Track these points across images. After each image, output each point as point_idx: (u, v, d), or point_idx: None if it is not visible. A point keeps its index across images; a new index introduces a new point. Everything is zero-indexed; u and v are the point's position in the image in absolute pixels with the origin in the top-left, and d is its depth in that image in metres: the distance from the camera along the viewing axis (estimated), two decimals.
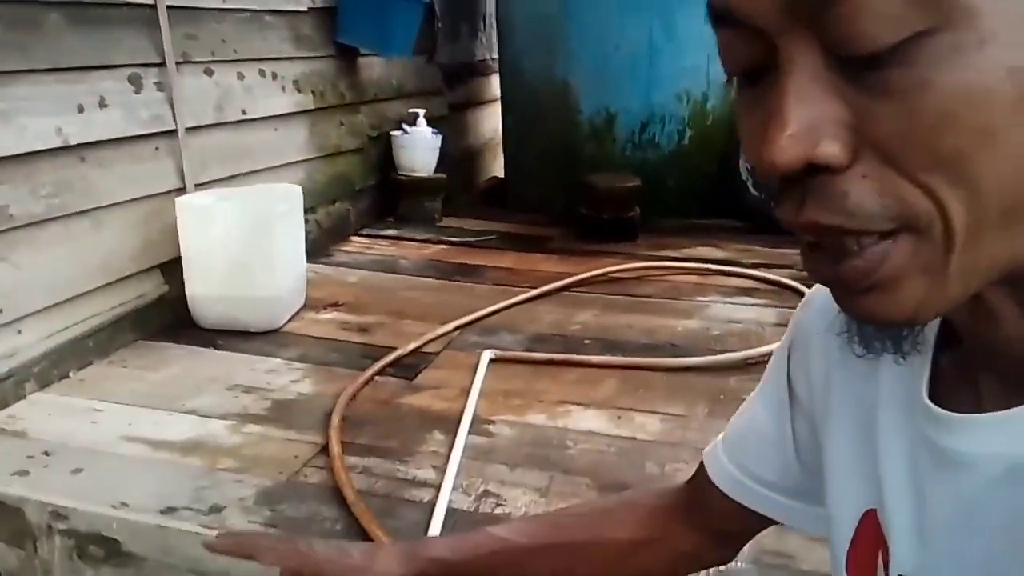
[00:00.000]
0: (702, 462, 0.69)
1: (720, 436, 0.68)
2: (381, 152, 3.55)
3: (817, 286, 0.54)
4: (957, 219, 0.32)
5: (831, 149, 0.33)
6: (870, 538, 0.49)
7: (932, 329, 0.45)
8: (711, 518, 0.69)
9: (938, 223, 0.33)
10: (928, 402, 0.43)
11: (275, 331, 2.38)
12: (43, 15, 1.96)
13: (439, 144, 3.58)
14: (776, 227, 2.63)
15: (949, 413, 0.42)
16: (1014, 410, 0.38)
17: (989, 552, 0.40)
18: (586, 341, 2.33)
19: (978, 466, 0.40)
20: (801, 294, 2.61)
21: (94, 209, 2.12)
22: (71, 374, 2.05)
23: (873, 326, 0.42)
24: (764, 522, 0.67)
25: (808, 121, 0.33)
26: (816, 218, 0.35)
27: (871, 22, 0.30)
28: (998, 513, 0.39)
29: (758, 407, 0.64)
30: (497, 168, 4.94)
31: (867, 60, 0.31)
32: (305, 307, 2.56)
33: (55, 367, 2.01)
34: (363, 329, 2.42)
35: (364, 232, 3.44)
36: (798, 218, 0.36)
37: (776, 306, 2.59)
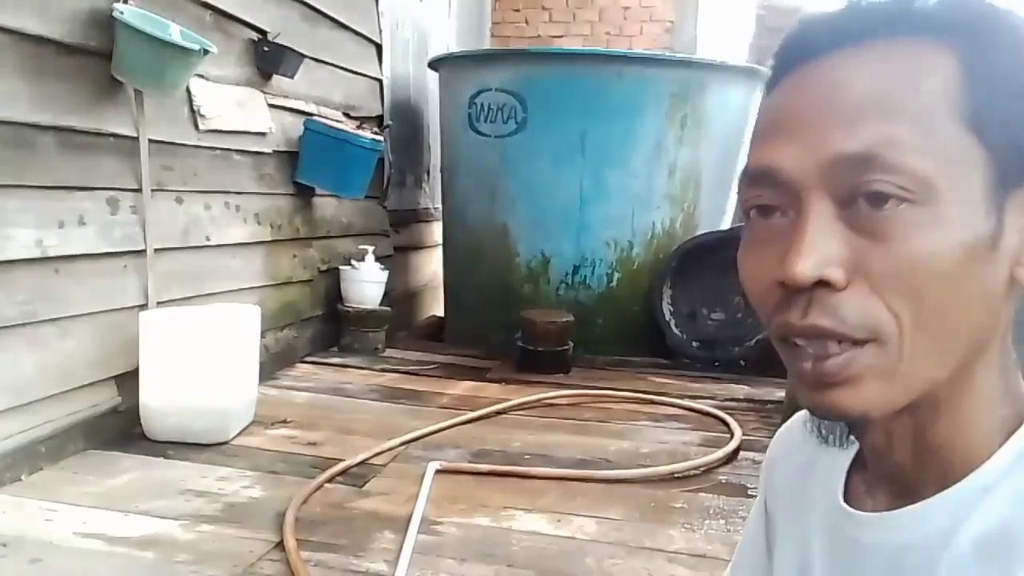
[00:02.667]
0: None
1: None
2: (329, 285, 3.74)
3: (784, 426, 0.71)
4: (908, 337, 0.46)
5: (836, 273, 0.46)
6: None
7: (847, 457, 0.61)
8: None
9: (896, 339, 0.46)
10: (843, 503, 0.58)
11: (224, 443, 2.45)
12: (37, 137, 2.15)
13: (385, 279, 3.80)
14: (694, 364, 3.00)
15: (854, 510, 0.57)
16: (896, 511, 0.53)
17: None
18: (526, 456, 2.47)
19: (874, 550, 0.54)
20: (722, 421, 2.85)
21: (62, 318, 2.23)
22: (23, 477, 2.07)
23: (833, 418, 0.52)
24: None
25: (822, 250, 0.46)
26: (816, 321, 0.47)
27: (874, 188, 0.45)
28: None
29: (751, 528, 0.75)
30: (435, 308, 5.16)
31: (869, 213, 0.46)
32: (253, 423, 2.64)
33: (8, 469, 2.04)
34: (311, 443, 2.51)
35: (309, 359, 3.56)
36: (802, 321, 0.48)
37: (700, 430, 2.79)
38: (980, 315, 0.48)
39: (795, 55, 0.50)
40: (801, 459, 0.65)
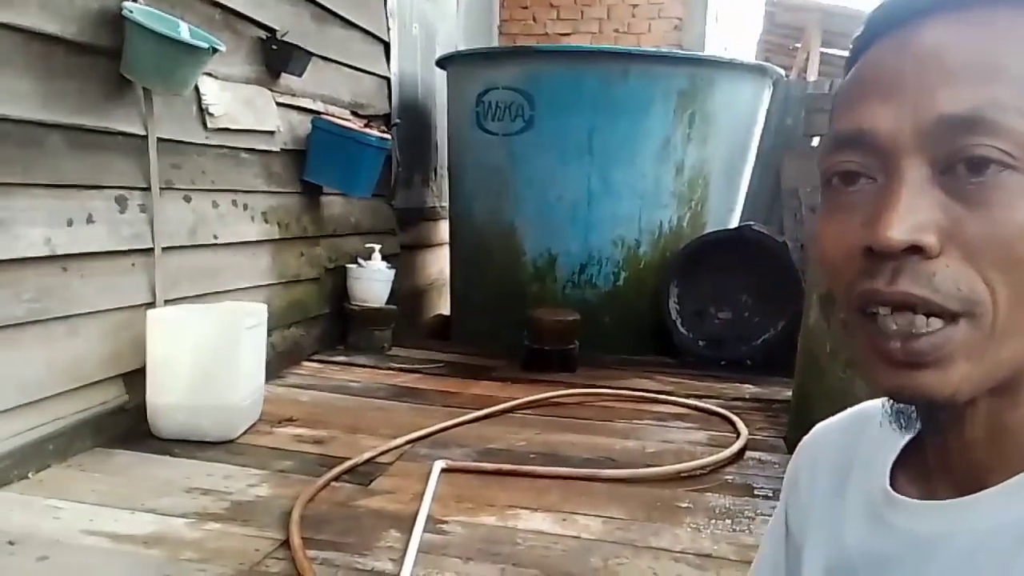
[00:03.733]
0: None
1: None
2: (336, 283, 3.75)
3: (806, 438, 0.67)
4: (1003, 313, 0.44)
5: (930, 239, 0.44)
6: None
7: (891, 451, 0.58)
8: None
9: (990, 313, 0.44)
10: (888, 488, 0.54)
11: (231, 442, 2.46)
12: (46, 136, 2.16)
13: (392, 277, 3.80)
14: (700, 363, 2.98)
15: (903, 497, 0.53)
16: (966, 498, 0.49)
17: None
18: (531, 455, 2.47)
19: (931, 541, 0.50)
20: (728, 420, 2.84)
21: (70, 316, 2.24)
22: (30, 475, 2.08)
23: (918, 402, 0.49)
24: None
25: (916, 215, 0.44)
26: (908, 289, 0.44)
27: (978, 151, 0.43)
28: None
29: (767, 545, 0.71)
30: (442, 307, 5.17)
31: (968, 179, 0.44)
32: (260, 422, 2.65)
33: (16, 467, 2.05)
34: (318, 441, 2.52)
35: (316, 358, 3.56)
36: (890, 287, 0.45)
37: (706, 430, 2.79)
38: None
39: (891, 19, 0.49)
40: (834, 463, 0.62)
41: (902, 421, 0.54)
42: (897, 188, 0.45)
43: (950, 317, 0.44)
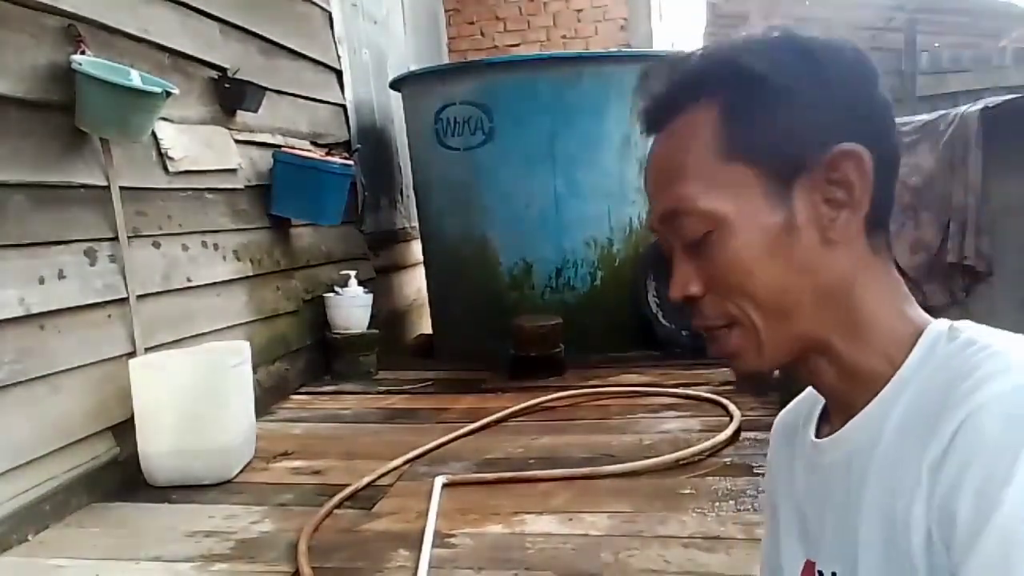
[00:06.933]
0: None
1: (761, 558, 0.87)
2: (315, 314, 3.73)
3: (774, 423, 0.82)
4: (754, 316, 0.63)
5: (694, 289, 0.65)
6: None
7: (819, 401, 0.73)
8: None
9: (747, 320, 0.64)
10: (812, 438, 0.71)
11: (228, 482, 2.44)
12: (8, 196, 2.14)
13: (370, 302, 3.80)
14: (686, 353, 3.02)
15: (817, 440, 0.70)
16: (839, 430, 0.66)
17: (841, 519, 0.64)
18: (531, 461, 2.48)
19: (831, 468, 0.66)
20: (720, 404, 2.87)
21: (52, 374, 2.21)
22: (29, 537, 2.05)
23: (742, 376, 0.69)
24: None
25: (681, 277, 0.66)
26: (699, 320, 0.67)
27: (690, 230, 0.64)
28: (840, 493, 0.64)
29: (767, 519, 0.83)
30: (423, 326, 5.16)
31: (694, 245, 0.64)
32: (255, 459, 2.63)
33: (14, 531, 2.02)
34: (316, 472, 2.51)
35: (303, 390, 3.54)
36: (695, 321, 0.67)
37: (699, 416, 2.81)
38: (808, 278, 0.62)
39: (643, 134, 0.69)
40: (788, 433, 0.77)
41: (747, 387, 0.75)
42: (671, 260, 0.67)
43: (726, 329, 0.65)
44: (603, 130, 3.85)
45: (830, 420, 0.69)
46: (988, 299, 3.90)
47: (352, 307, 3.72)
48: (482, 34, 6.62)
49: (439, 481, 2.28)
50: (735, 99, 0.62)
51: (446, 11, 6.61)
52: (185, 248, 2.86)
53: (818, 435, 0.70)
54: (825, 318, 0.63)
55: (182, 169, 2.85)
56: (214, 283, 3.00)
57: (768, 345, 0.63)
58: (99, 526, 2.15)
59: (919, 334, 0.62)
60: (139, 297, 2.56)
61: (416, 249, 4.95)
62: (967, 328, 0.60)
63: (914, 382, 0.59)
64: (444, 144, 4.03)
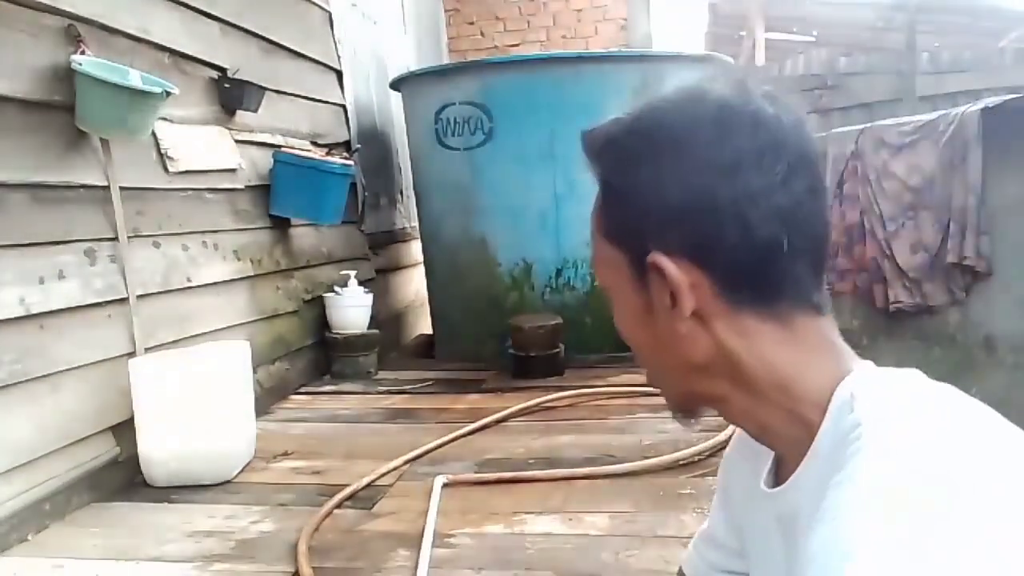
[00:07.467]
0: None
1: (693, 538, 0.91)
2: (315, 314, 3.73)
3: (736, 432, 0.82)
4: (648, 375, 0.71)
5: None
6: None
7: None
8: None
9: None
10: (764, 487, 0.70)
11: (228, 482, 2.44)
12: (8, 196, 2.14)
13: (370, 302, 3.80)
14: None
15: (769, 490, 0.69)
16: (782, 486, 0.66)
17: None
18: (531, 461, 2.48)
19: (779, 518, 0.67)
20: None
21: (52, 374, 2.21)
22: (29, 537, 2.05)
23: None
24: None
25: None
26: None
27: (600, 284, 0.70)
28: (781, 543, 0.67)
29: (714, 509, 0.87)
30: (423, 326, 5.16)
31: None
32: (255, 459, 2.63)
33: (14, 531, 2.02)
34: (316, 472, 2.51)
35: (303, 390, 3.54)
36: None
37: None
38: (677, 352, 0.64)
39: None
40: (747, 462, 0.76)
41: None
42: None
43: None
44: None
45: (778, 469, 0.70)
46: (988, 299, 3.90)
47: (352, 307, 3.72)
48: (482, 34, 6.63)
49: (439, 481, 2.28)
50: (608, 179, 0.67)
51: (446, 11, 6.62)
52: (185, 248, 2.86)
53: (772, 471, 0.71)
54: (713, 382, 0.65)
55: (182, 169, 2.85)
56: (214, 283, 3.00)
57: (664, 394, 0.70)
58: (99, 526, 2.15)
59: (833, 390, 0.60)
60: (139, 297, 2.56)
61: (416, 249, 4.95)
62: (862, 399, 0.58)
63: (822, 458, 0.59)
64: (444, 144, 4.03)
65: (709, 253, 0.61)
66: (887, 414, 0.56)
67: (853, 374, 0.61)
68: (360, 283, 3.78)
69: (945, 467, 0.50)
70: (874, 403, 0.57)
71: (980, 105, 3.85)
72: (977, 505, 0.48)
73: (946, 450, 0.52)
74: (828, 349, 0.63)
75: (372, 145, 4.73)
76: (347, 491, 2.26)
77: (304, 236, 3.74)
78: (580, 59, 4.02)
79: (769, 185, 0.60)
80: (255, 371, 3.13)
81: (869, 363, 0.64)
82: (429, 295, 4.61)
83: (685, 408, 0.70)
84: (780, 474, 0.68)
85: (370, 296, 3.80)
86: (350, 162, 3.70)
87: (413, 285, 5.15)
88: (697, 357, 0.64)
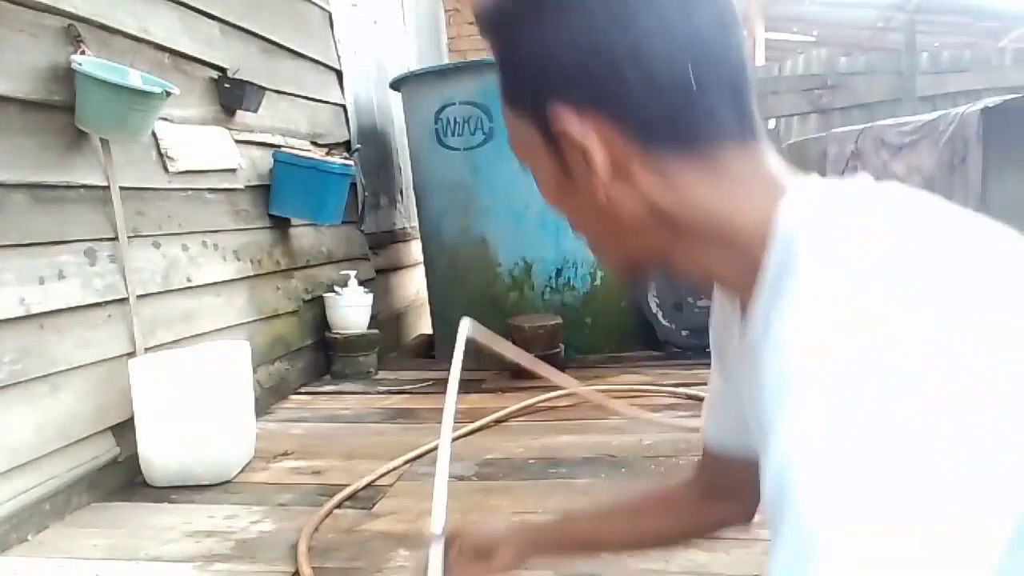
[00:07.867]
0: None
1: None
2: (315, 314, 3.74)
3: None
4: (592, 244, 0.66)
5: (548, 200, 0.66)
6: None
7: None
8: (715, 478, 0.88)
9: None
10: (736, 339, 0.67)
11: (228, 482, 2.44)
12: (8, 196, 2.14)
13: (370, 302, 3.80)
14: (686, 353, 3.01)
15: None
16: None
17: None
18: (531, 460, 2.48)
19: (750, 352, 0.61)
20: None
21: (52, 374, 2.21)
22: (29, 537, 2.05)
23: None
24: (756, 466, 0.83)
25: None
26: None
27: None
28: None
29: (713, 374, 0.84)
30: (423, 327, 5.17)
31: None
32: (255, 459, 2.63)
33: (14, 531, 2.02)
34: (315, 472, 2.50)
35: (303, 390, 3.55)
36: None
37: (700, 415, 2.81)
38: (603, 214, 0.60)
39: None
40: (727, 316, 0.73)
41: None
42: None
43: None
44: None
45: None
46: None
47: (352, 307, 3.72)
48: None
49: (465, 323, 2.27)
50: (501, 46, 0.62)
51: (446, 11, 6.62)
52: (185, 248, 2.86)
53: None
54: (649, 238, 0.61)
55: (182, 169, 2.85)
56: (214, 283, 3.00)
57: (604, 259, 0.67)
58: (99, 526, 2.15)
59: (771, 218, 0.55)
60: (139, 297, 2.56)
61: (416, 249, 4.95)
62: (799, 219, 0.53)
63: (767, 292, 0.54)
64: (444, 144, 4.03)
65: (612, 101, 0.57)
66: (823, 225, 0.51)
67: (788, 196, 0.56)
68: (360, 283, 3.78)
69: (894, 263, 0.46)
70: (811, 217, 0.53)
71: (980, 105, 3.85)
72: (946, 298, 0.44)
73: (895, 246, 0.47)
74: (761, 177, 0.59)
75: (372, 144, 4.73)
76: (347, 491, 2.26)
77: (304, 236, 3.75)
78: None
79: (664, 20, 0.56)
80: (255, 371, 3.13)
81: (813, 177, 0.59)
82: (429, 295, 4.61)
83: (631, 272, 0.66)
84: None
85: (370, 296, 3.80)
86: (350, 162, 3.70)
87: (413, 285, 5.15)
88: (626, 214, 0.60)
